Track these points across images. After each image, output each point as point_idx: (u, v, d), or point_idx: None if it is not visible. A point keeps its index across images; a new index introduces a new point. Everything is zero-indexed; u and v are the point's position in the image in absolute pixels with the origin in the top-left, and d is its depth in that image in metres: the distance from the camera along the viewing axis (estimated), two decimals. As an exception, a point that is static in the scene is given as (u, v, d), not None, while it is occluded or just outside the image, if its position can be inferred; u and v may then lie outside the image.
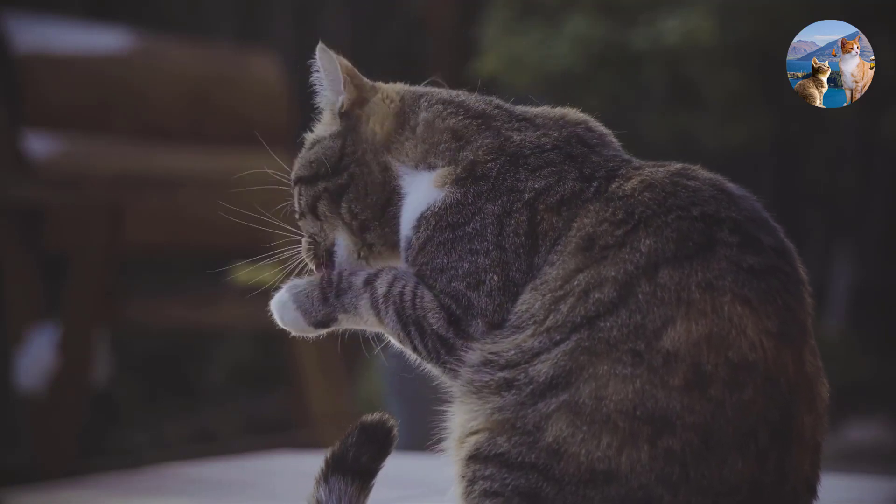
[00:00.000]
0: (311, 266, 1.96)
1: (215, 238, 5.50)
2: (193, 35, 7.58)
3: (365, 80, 1.96)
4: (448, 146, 1.86)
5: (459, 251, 1.79)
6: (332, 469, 1.95)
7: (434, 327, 1.80)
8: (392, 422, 1.97)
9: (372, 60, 8.52)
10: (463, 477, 1.71)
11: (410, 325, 1.82)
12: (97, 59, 5.42)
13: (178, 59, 5.75)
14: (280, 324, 1.92)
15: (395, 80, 2.02)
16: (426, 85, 2.07)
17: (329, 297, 1.88)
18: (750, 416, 1.62)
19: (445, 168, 1.85)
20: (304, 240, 1.97)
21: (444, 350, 1.79)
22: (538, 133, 1.85)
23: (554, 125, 1.87)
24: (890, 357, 7.43)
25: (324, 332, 1.91)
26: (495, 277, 1.77)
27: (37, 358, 4.84)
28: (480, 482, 1.68)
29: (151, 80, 5.49)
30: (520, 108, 1.92)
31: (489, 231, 1.78)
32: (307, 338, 1.94)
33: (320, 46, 1.94)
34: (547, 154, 1.82)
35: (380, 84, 1.97)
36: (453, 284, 1.79)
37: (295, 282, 1.92)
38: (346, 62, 1.95)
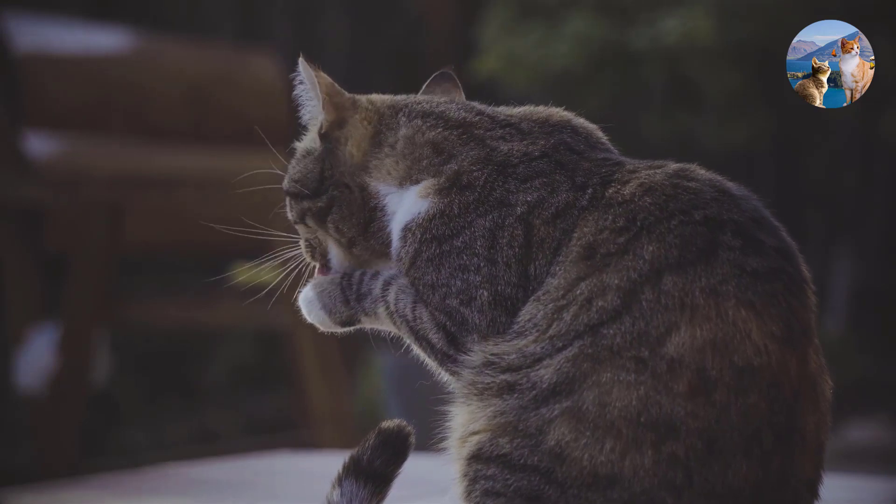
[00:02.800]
0: (314, 264, 1.98)
1: (215, 237, 5.50)
2: (193, 35, 7.58)
3: (345, 97, 1.94)
4: (431, 161, 1.85)
5: (449, 267, 1.79)
6: (348, 472, 1.96)
7: (437, 345, 1.82)
8: (409, 429, 1.99)
9: (372, 60, 8.53)
10: (464, 476, 1.71)
11: (420, 339, 1.84)
12: (97, 59, 5.42)
13: (178, 58, 5.75)
14: (308, 319, 1.95)
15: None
16: (435, 77, 2.05)
17: (350, 299, 1.90)
18: (754, 421, 1.61)
19: (430, 179, 1.84)
20: (301, 242, 1.98)
21: (450, 362, 1.81)
22: (525, 141, 1.83)
23: (540, 131, 1.85)
24: (890, 357, 7.42)
25: (351, 329, 1.94)
26: (485, 293, 1.77)
27: (37, 358, 4.84)
28: (482, 482, 1.68)
29: (151, 80, 5.49)
30: (503, 112, 1.90)
31: (479, 244, 1.78)
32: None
33: (301, 61, 1.93)
34: (536, 163, 1.80)
35: (360, 100, 1.95)
36: (447, 301, 1.79)
37: (319, 279, 1.95)
38: (326, 79, 1.93)
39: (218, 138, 5.56)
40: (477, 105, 1.92)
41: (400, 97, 1.96)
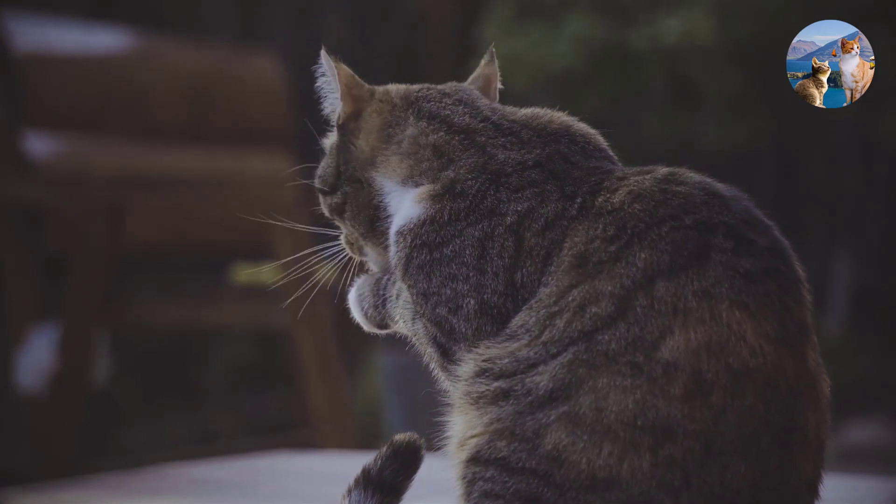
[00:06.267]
0: (357, 258, 1.98)
1: (216, 237, 5.51)
2: (193, 35, 7.58)
3: (364, 88, 1.93)
4: (430, 164, 1.84)
5: (440, 276, 1.79)
6: (357, 483, 1.97)
7: (434, 358, 1.84)
8: (420, 442, 1.99)
9: (372, 60, 8.53)
10: (463, 478, 1.71)
11: (424, 352, 1.87)
12: (97, 59, 5.42)
13: (178, 58, 5.75)
14: (355, 319, 1.98)
15: (395, 80, 1.99)
16: (489, 57, 2.04)
17: (378, 304, 1.93)
18: (752, 422, 1.61)
19: (427, 185, 1.84)
20: (342, 237, 1.99)
21: (446, 373, 1.82)
22: (522, 150, 1.83)
23: (538, 139, 1.84)
24: (890, 357, 7.43)
25: (388, 331, 1.96)
26: (472, 301, 1.77)
27: (37, 358, 4.84)
28: (480, 483, 1.68)
29: (151, 79, 5.49)
30: (508, 118, 1.88)
31: (468, 254, 1.78)
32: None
33: (323, 51, 1.92)
34: (529, 173, 1.80)
35: (377, 91, 1.94)
36: (437, 310, 1.80)
37: (361, 280, 1.97)
38: (346, 70, 1.92)
39: (218, 138, 5.57)
40: (485, 110, 1.90)
41: (414, 88, 1.95)
